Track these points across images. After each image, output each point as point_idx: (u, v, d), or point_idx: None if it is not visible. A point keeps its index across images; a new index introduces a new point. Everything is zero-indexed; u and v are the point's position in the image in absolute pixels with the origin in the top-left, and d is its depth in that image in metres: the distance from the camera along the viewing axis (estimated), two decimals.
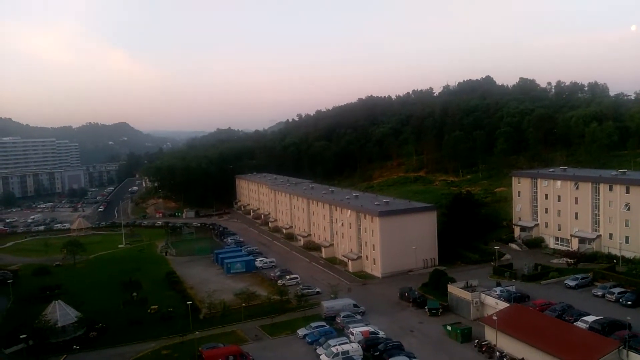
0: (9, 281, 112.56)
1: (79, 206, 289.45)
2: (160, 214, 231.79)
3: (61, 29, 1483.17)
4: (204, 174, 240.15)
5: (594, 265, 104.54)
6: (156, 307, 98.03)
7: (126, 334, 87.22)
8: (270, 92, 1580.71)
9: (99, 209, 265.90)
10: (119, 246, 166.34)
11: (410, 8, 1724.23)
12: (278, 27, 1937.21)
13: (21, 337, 78.11)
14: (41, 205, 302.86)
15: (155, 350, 79.92)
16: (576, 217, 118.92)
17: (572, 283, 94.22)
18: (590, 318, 73.88)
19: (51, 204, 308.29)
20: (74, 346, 79.62)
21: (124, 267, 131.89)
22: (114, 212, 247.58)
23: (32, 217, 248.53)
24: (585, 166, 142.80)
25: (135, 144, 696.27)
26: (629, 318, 68.96)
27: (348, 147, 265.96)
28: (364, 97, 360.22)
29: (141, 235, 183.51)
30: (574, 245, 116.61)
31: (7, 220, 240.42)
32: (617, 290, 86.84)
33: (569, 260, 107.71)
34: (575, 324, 72.98)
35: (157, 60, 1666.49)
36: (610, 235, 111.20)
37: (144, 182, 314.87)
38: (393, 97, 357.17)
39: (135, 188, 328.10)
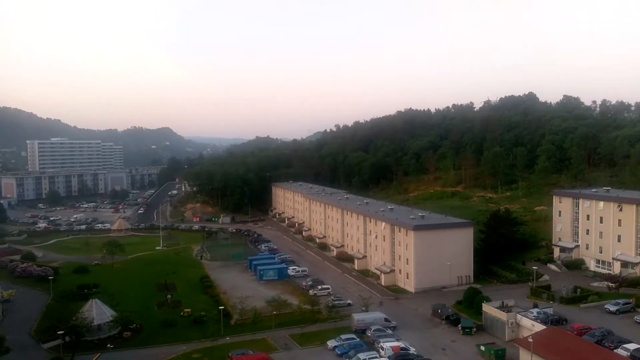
0: (50, 278, 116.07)
1: (120, 207, 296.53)
2: (198, 218, 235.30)
3: (111, 35, 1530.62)
4: (241, 180, 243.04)
5: (637, 290, 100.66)
6: (189, 310, 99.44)
7: (159, 335, 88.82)
8: (310, 102, 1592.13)
9: (139, 211, 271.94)
10: (156, 248, 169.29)
11: (453, 23, 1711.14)
12: (319, 39, 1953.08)
13: (58, 333, 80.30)
14: (84, 205, 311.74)
15: (186, 354, 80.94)
16: (619, 240, 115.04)
17: (613, 308, 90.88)
18: (632, 346, 71.08)
19: (94, 204, 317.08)
20: (108, 345, 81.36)
21: (160, 269, 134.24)
22: (153, 215, 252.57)
23: (75, 216, 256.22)
24: (630, 188, 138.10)
25: (176, 148, 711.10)
26: None
27: (385, 159, 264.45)
28: (402, 110, 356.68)
29: (178, 239, 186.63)
30: (616, 268, 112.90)
31: (51, 218, 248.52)
32: None
33: (610, 284, 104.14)
34: (615, 351, 70.38)
35: (201, 68, 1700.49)
36: None
37: (183, 187, 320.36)
38: (432, 110, 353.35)
39: (174, 192, 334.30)
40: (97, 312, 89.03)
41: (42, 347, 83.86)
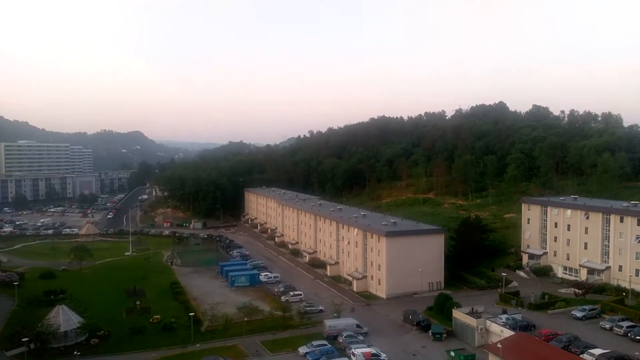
0: (15, 283, 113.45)
1: (88, 212, 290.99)
2: (168, 224, 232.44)
3: (81, 37, 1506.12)
4: (213, 185, 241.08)
5: (603, 297, 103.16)
6: (159, 316, 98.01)
7: (128, 342, 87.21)
8: (283, 108, 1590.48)
9: (108, 216, 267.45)
10: (126, 254, 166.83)
11: (425, 31, 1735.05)
12: (293, 45, 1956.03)
13: (23, 340, 78.35)
14: (51, 209, 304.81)
15: None
16: (585, 247, 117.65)
17: (579, 314, 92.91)
18: (597, 351, 72.62)
19: (61, 208, 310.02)
20: (75, 352, 79.55)
21: (129, 274, 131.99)
22: (122, 220, 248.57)
23: (42, 220, 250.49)
24: (597, 196, 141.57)
25: (148, 153, 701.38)
26: (637, 353, 67.90)
27: (358, 165, 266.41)
28: (376, 117, 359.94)
29: (148, 244, 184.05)
30: (583, 275, 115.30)
31: (18, 223, 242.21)
32: (625, 324, 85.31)
33: (577, 290, 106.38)
34: (581, 356, 71.82)
35: (174, 72, 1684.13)
36: (620, 268, 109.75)
37: (154, 191, 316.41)
38: (405, 118, 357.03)
39: (145, 196, 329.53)
40: (64, 318, 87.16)
41: (5, 355, 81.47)
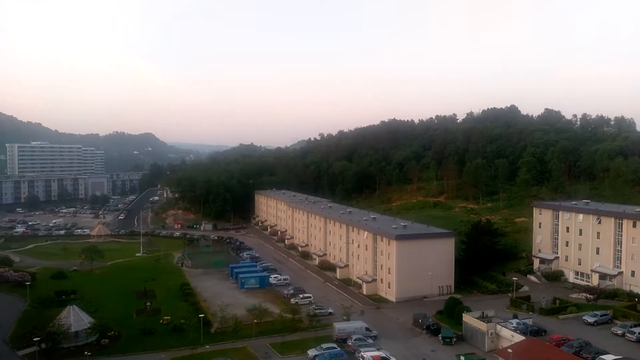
0: (26, 283, 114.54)
1: (100, 213, 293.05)
2: (179, 225, 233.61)
3: (94, 39, 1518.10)
4: (224, 187, 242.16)
5: (615, 302, 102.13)
6: (169, 318, 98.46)
7: (138, 343, 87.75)
8: (294, 110, 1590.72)
9: (120, 217, 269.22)
10: (137, 255, 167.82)
11: (436, 33, 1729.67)
12: (304, 47, 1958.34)
13: (34, 339, 79.13)
14: (63, 210, 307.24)
15: None
16: (597, 252, 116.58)
17: (591, 319, 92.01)
18: (609, 357, 71.93)
19: (73, 209, 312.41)
20: (86, 352, 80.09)
21: (139, 275, 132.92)
22: (133, 221, 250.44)
23: (54, 221, 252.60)
24: (609, 201, 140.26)
25: (159, 154, 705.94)
26: None
27: (368, 168, 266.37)
28: (386, 120, 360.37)
29: (158, 245, 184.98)
30: (594, 280, 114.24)
31: (30, 223, 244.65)
32: (638, 329, 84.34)
33: (588, 295, 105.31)
34: None
35: (185, 74, 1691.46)
36: (633, 273, 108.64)
37: (165, 193, 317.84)
38: (416, 121, 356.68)
39: (156, 198, 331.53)
40: (75, 318, 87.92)
41: (17, 354, 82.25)
